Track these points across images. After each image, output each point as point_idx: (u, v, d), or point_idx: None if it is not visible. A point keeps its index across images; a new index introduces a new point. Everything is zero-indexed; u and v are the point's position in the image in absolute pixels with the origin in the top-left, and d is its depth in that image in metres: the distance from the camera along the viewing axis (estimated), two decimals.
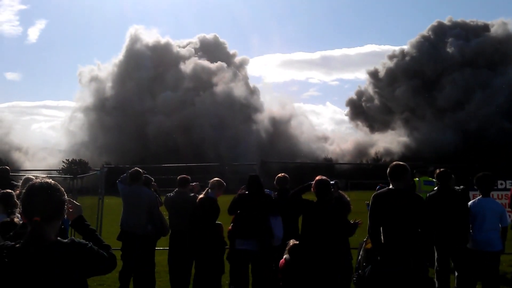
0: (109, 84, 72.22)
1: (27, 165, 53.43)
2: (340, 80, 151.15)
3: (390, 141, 65.80)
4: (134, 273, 7.20)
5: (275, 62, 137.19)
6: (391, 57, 77.47)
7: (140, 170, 7.41)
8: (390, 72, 74.28)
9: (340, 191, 6.71)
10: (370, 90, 78.92)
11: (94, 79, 74.12)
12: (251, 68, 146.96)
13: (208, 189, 7.12)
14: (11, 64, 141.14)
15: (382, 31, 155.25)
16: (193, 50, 76.39)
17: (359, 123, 76.89)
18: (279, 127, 66.14)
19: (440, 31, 73.14)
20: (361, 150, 65.63)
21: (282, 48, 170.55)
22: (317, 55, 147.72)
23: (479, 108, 61.71)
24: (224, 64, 73.12)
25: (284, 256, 5.68)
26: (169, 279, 7.59)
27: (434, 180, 9.18)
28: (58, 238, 2.43)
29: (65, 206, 2.54)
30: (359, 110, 78.98)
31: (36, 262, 2.30)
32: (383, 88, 74.15)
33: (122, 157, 54.98)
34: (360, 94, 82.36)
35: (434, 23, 75.69)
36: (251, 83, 78.43)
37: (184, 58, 73.43)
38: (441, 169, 6.68)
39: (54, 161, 57.73)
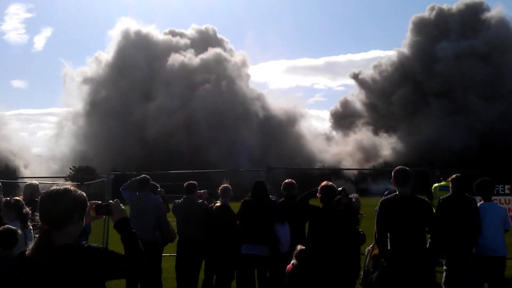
0: (101, 86, 69.30)
1: (25, 172, 53.33)
2: (345, 85, 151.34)
3: (395, 145, 65.08)
4: (141, 279, 7.23)
5: (280, 68, 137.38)
6: (376, 66, 76.61)
7: (148, 177, 7.47)
8: (383, 78, 73.47)
9: (356, 195, 6.71)
10: (361, 96, 77.74)
11: (85, 81, 71.21)
12: (256, 74, 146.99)
13: (220, 197, 7.26)
14: (17, 72, 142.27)
15: (386, 36, 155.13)
16: (189, 45, 73.43)
17: (361, 127, 75.34)
18: (282, 131, 65.10)
19: (426, 26, 71.07)
20: (366, 155, 65.05)
21: (286, 54, 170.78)
22: (321, 61, 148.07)
23: (489, 107, 60.24)
24: (223, 52, 70.77)
25: (292, 262, 5.69)
26: (176, 285, 7.59)
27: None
28: (70, 243, 2.48)
29: (80, 211, 2.58)
30: (346, 119, 77.00)
31: (43, 267, 2.36)
32: (379, 95, 72.85)
33: (118, 162, 53.32)
34: (345, 103, 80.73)
35: (415, 18, 73.59)
36: (254, 87, 76.39)
37: (180, 52, 70.34)
38: (457, 174, 6.59)
39: (54, 167, 57.60)
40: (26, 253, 2.45)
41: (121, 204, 2.83)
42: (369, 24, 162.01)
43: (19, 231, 4.36)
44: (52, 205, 2.50)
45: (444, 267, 6.51)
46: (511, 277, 7.66)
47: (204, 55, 70.06)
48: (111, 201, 2.85)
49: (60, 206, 2.50)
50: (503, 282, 6.27)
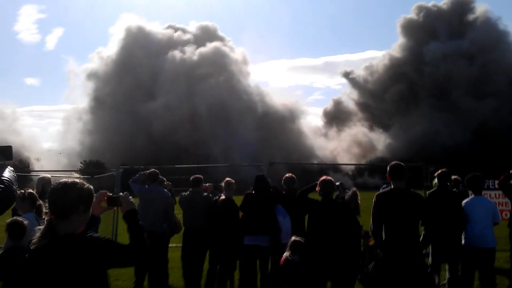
0: (105, 82, 68.87)
1: (37, 165, 54.04)
2: (343, 84, 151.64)
3: (389, 142, 64.77)
4: (149, 269, 7.52)
5: (281, 68, 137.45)
6: (368, 67, 76.05)
7: (157, 171, 7.74)
8: (375, 78, 73.07)
9: (354, 189, 6.91)
10: (354, 96, 77.22)
11: (90, 77, 70.92)
12: (257, 73, 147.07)
13: (224, 190, 7.54)
14: (30, 70, 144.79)
15: (382, 36, 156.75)
16: (191, 40, 72.78)
17: (356, 122, 74.71)
18: (282, 127, 64.87)
19: (414, 28, 70.42)
20: (362, 151, 64.92)
21: (287, 54, 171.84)
22: (320, 60, 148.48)
23: (480, 105, 60.09)
24: (223, 47, 70.46)
25: (285, 253, 5.78)
26: (182, 274, 7.87)
27: None
28: (72, 232, 2.60)
29: (85, 203, 2.70)
30: (339, 117, 76.05)
31: (44, 254, 2.51)
32: (372, 95, 72.20)
33: (127, 157, 53.14)
34: (338, 102, 79.24)
35: (403, 20, 72.59)
36: (256, 84, 75.37)
37: (182, 48, 70.06)
38: (442, 170, 6.93)
39: (64, 162, 58.15)
40: (32, 241, 2.59)
41: (130, 197, 2.96)
42: (365, 25, 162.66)
43: (26, 222, 4.45)
44: (59, 196, 2.62)
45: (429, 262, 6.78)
46: (501, 268, 7.97)
47: (204, 49, 69.37)
48: (121, 193, 2.98)
49: (67, 198, 2.61)
50: (492, 273, 6.54)
